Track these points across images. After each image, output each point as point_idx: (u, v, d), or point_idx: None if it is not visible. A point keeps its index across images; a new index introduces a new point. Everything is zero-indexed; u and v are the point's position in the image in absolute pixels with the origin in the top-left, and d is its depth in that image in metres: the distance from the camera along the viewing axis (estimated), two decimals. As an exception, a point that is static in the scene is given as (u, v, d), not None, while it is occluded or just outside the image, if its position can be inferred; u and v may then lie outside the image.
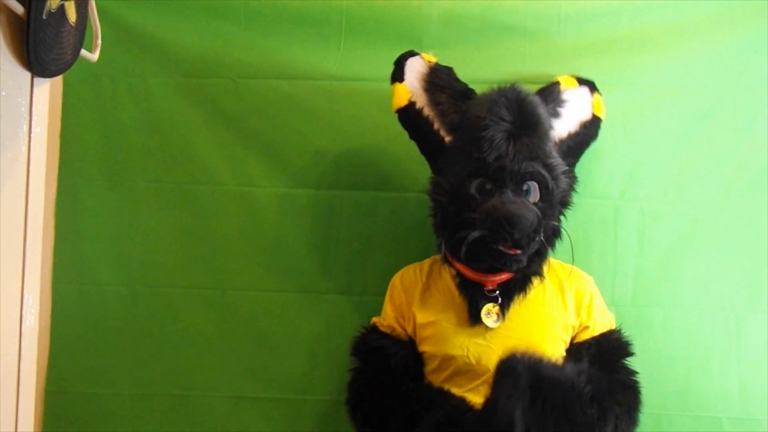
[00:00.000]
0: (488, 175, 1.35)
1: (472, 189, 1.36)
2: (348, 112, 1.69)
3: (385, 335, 1.48)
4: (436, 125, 1.46)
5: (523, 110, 1.38)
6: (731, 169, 1.67)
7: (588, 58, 1.69)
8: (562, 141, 1.49)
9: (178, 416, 1.68)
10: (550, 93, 1.51)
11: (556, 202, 1.41)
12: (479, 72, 1.66)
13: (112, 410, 1.68)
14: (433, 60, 1.50)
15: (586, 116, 1.54)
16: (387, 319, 1.50)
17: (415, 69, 1.49)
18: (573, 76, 1.56)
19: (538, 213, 1.34)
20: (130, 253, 1.70)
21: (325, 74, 1.71)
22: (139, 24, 1.72)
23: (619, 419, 1.32)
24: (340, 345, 1.66)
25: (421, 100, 1.47)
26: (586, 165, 1.67)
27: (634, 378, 1.42)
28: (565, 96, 1.52)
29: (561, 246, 1.45)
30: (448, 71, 1.50)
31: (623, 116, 1.68)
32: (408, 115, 1.47)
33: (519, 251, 1.34)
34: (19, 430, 1.31)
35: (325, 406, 1.66)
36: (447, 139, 1.45)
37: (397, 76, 1.48)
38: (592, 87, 1.57)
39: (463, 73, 1.66)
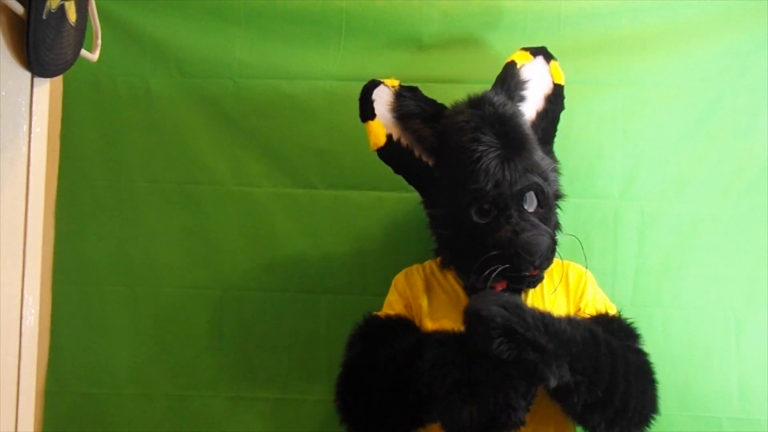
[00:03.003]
0: (488, 200, 1.33)
1: (474, 216, 1.33)
2: (348, 112, 1.68)
3: (390, 317, 1.43)
4: (416, 152, 1.44)
5: (508, 130, 1.35)
6: (731, 169, 1.67)
7: (588, 58, 1.69)
8: (534, 125, 1.45)
9: (177, 416, 1.68)
10: (511, 77, 1.46)
11: (552, 201, 1.41)
12: (479, 72, 1.66)
13: (112, 410, 1.68)
14: (396, 84, 1.44)
15: (548, 88, 1.49)
16: (395, 309, 1.45)
17: (382, 100, 1.43)
18: (525, 48, 1.50)
19: (550, 231, 1.34)
20: (130, 253, 1.71)
21: (325, 74, 1.71)
22: (139, 24, 1.72)
23: (630, 372, 1.26)
24: (340, 345, 1.65)
25: (396, 131, 1.43)
26: (586, 165, 1.67)
27: (647, 358, 1.34)
28: (523, 75, 1.47)
29: (565, 246, 1.44)
30: (414, 92, 1.44)
31: (623, 116, 1.69)
32: (388, 150, 1.43)
33: (539, 271, 1.34)
34: (19, 430, 1.31)
35: (325, 406, 1.65)
36: (430, 162, 1.44)
37: (368, 113, 1.41)
38: (546, 55, 1.50)
39: (464, 73, 1.67)
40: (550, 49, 1.52)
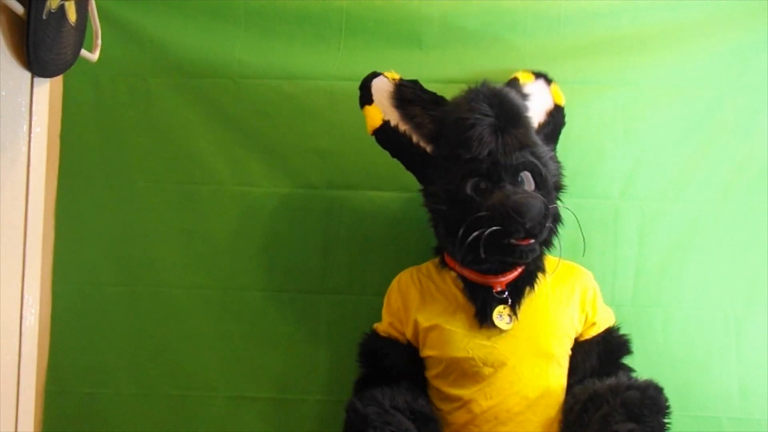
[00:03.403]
0: (482, 172, 1.35)
1: (469, 190, 1.35)
2: (348, 112, 1.68)
3: (381, 339, 1.49)
4: (414, 138, 1.46)
5: (503, 103, 1.39)
6: (731, 169, 1.67)
7: (588, 58, 1.69)
8: (536, 131, 1.48)
9: (177, 416, 1.68)
10: (514, 88, 1.51)
11: (551, 187, 1.42)
12: (479, 72, 1.66)
13: (112, 410, 1.68)
14: (397, 77, 1.49)
15: (549, 106, 1.55)
16: (383, 324, 1.51)
17: (381, 89, 1.47)
18: (528, 70, 1.57)
19: (543, 198, 1.34)
20: (130, 253, 1.70)
21: (325, 74, 1.71)
22: (139, 24, 1.72)
23: None
24: (340, 345, 1.66)
25: (394, 117, 1.46)
26: (586, 165, 1.67)
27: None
28: (526, 90, 1.52)
29: (565, 243, 1.46)
30: (414, 84, 1.49)
31: (623, 116, 1.68)
32: (385, 134, 1.47)
33: (532, 240, 1.34)
34: (19, 430, 1.31)
35: (325, 406, 1.66)
36: (428, 149, 1.45)
37: (366, 99, 1.47)
38: (546, 78, 1.58)
39: (463, 73, 1.67)
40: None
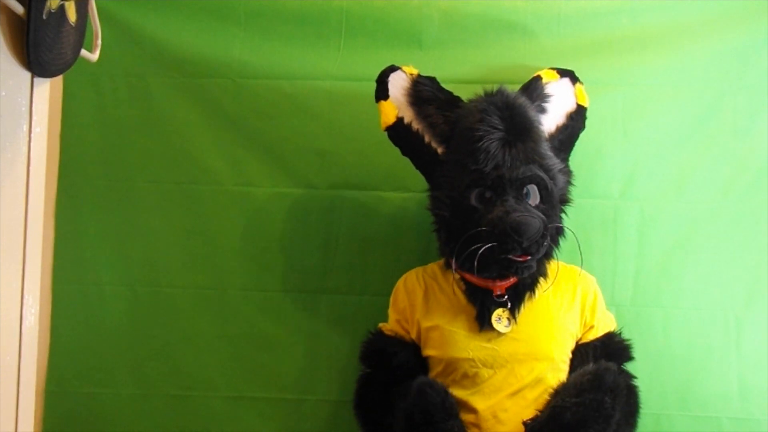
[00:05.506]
0: (487, 184, 1.35)
1: (473, 200, 1.36)
2: (348, 112, 1.69)
3: (388, 337, 1.49)
4: (426, 138, 1.46)
5: (514, 116, 1.38)
6: (731, 169, 1.67)
7: (588, 58, 1.69)
8: (552, 136, 1.48)
9: (178, 416, 1.68)
10: (534, 89, 1.50)
11: (557, 201, 1.41)
12: (479, 72, 1.66)
13: (112, 410, 1.68)
14: (415, 72, 1.48)
15: (571, 107, 1.53)
16: (390, 323, 1.51)
17: (398, 84, 1.46)
18: (553, 68, 1.55)
19: (543, 217, 1.34)
20: (130, 253, 1.70)
21: (325, 74, 1.71)
22: (139, 24, 1.72)
23: (619, 425, 1.33)
24: (340, 345, 1.66)
25: (409, 115, 1.46)
26: (586, 165, 1.67)
27: (634, 382, 1.44)
28: (548, 90, 1.51)
29: (565, 246, 1.45)
30: (432, 81, 1.48)
31: (623, 116, 1.69)
32: (397, 131, 1.46)
33: (528, 257, 1.34)
34: (19, 430, 1.31)
35: (325, 406, 1.67)
36: (439, 150, 1.45)
37: (381, 94, 1.46)
38: (573, 77, 1.55)
39: (463, 73, 1.67)
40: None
